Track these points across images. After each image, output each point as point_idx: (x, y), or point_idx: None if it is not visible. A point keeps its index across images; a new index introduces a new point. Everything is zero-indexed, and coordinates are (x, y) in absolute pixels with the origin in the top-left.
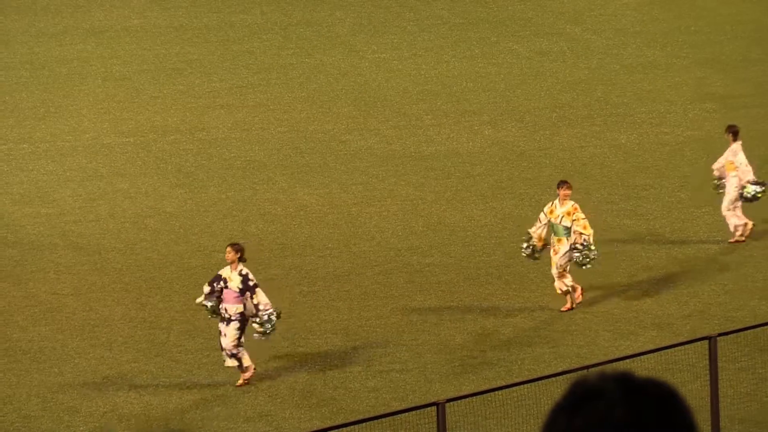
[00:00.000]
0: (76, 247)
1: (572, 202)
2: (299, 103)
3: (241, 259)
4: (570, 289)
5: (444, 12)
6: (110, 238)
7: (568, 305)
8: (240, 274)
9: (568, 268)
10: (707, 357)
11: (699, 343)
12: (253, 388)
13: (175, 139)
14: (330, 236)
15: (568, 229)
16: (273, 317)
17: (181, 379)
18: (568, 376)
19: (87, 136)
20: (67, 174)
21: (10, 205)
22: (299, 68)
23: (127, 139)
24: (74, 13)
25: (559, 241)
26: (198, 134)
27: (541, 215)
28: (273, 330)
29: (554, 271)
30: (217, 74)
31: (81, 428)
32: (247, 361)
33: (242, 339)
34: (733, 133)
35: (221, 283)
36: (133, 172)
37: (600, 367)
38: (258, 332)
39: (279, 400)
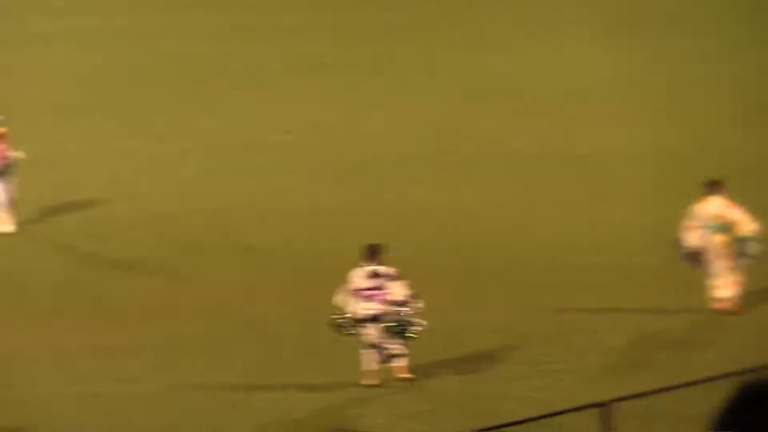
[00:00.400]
0: (235, 245)
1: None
2: (456, 101)
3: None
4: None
5: (600, 6)
6: (269, 235)
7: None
8: None
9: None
10: None
11: None
12: (411, 386)
13: (332, 137)
14: (488, 234)
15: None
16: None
17: (341, 377)
18: (732, 378)
19: (247, 132)
20: (226, 171)
21: (167, 203)
22: (456, 66)
23: (286, 137)
24: (222, 12)
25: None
26: (355, 132)
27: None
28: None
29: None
30: (374, 72)
31: (232, 423)
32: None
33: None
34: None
35: None
36: (291, 170)
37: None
38: None
39: (439, 399)
